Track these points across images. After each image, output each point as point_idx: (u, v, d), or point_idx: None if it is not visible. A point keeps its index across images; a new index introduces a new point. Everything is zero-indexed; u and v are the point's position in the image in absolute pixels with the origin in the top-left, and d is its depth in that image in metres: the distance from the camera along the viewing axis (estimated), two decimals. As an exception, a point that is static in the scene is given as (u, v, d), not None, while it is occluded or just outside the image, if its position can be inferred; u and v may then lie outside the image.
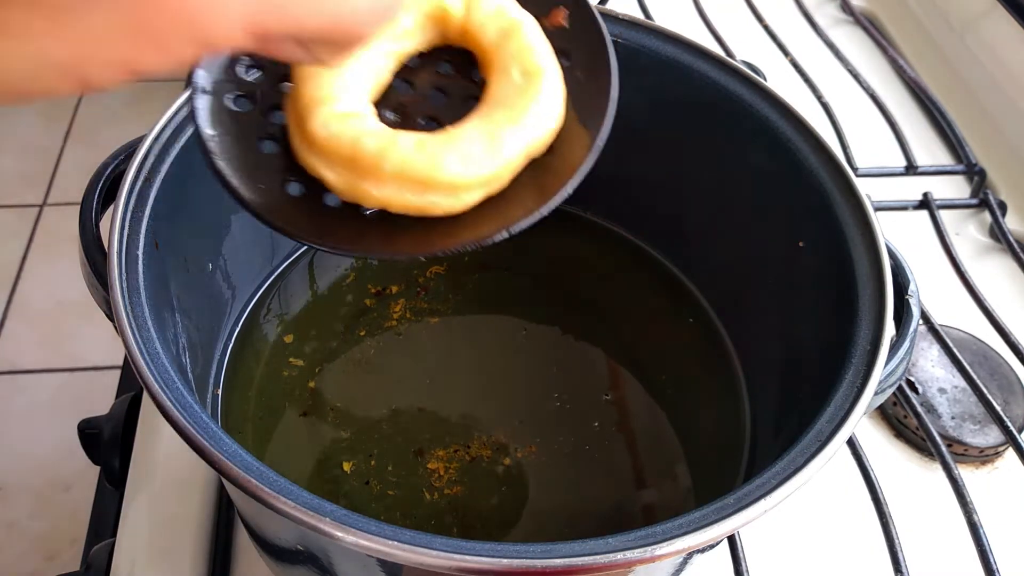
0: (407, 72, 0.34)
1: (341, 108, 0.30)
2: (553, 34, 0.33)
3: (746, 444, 0.43)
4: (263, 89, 0.33)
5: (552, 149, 0.32)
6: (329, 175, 0.31)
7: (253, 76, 0.33)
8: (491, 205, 0.31)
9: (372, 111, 0.32)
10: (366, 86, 0.32)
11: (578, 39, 0.34)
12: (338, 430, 0.43)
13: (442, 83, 0.34)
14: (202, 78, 0.32)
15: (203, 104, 0.32)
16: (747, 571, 0.42)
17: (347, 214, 0.31)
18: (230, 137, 0.32)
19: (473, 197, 0.31)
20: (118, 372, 0.66)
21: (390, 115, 0.33)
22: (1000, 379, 0.51)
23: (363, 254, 0.31)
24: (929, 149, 0.67)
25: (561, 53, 0.33)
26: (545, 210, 0.31)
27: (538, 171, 0.32)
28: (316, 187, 0.32)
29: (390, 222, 0.31)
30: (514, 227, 0.31)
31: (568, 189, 0.31)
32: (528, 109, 0.31)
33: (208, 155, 0.31)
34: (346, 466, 0.41)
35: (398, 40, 0.33)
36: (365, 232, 0.31)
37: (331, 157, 0.30)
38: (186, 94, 0.37)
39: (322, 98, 0.30)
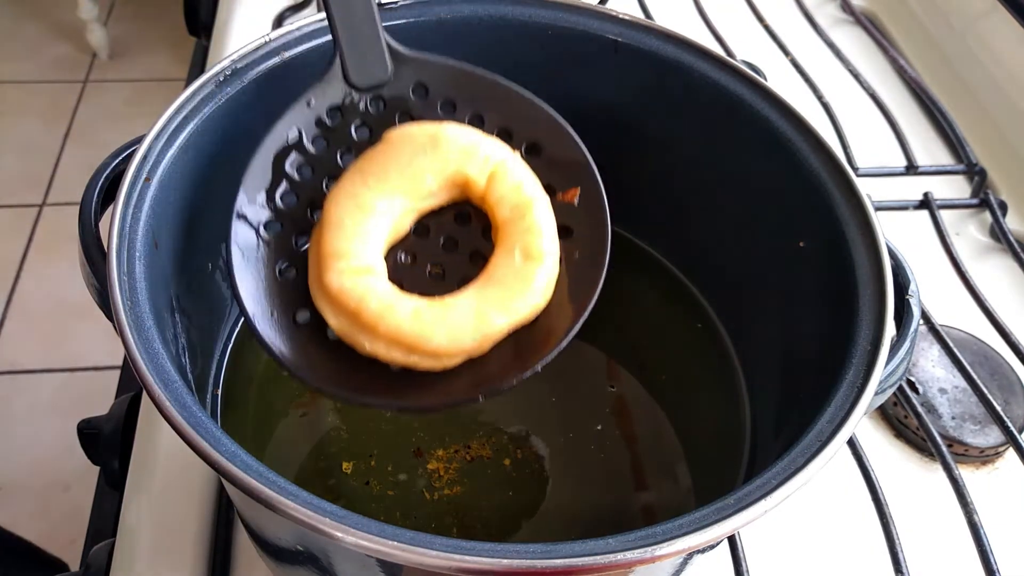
0: (427, 215, 0.37)
1: (356, 264, 0.34)
2: (562, 209, 0.36)
3: (746, 444, 0.43)
4: (294, 216, 0.36)
5: (536, 319, 0.35)
6: (332, 320, 0.34)
7: (287, 203, 0.36)
8: (470, 365, 0.34)
9: (384, 268, 0.35)
10: (384, 239, 0.35)
11: (583, 221, 0.36)
12: (338, 430, 0.43)
13: (455, 234, 0.36)
14: (242, 202, 0.35)
15: (237, 229, 0.35)
16: (747, 571, 0.42)
17: (342, 351, 0.34)
18: (256, 262, 0.35)
19: (454, 361, 0.34)
20: (118, 372, 0.66)
21: (402, 256, 0.36)
22: (1001, 379, 0.51)
23: (344, 397, 0.35)
24: (929, 149, 0.67)
25: (564, 229, 0.36)
26: (516, 382, 0.34)
27: (519, 337, 0.35)
28: (321, 319, 0.35)
29: (378, 367, 0.34)
30: (485, 395, 0.34)
31: (539, 366, 0.34)
32: (519, 295, 0.34)
33: (232, 279, 0.34)
34: (346, 466, 0.41)
35: (422, 199, 0.36)
36: (351, 374, 0.34)
37: (337, 307, 0.34)
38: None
39: (342, 252, 0.34)
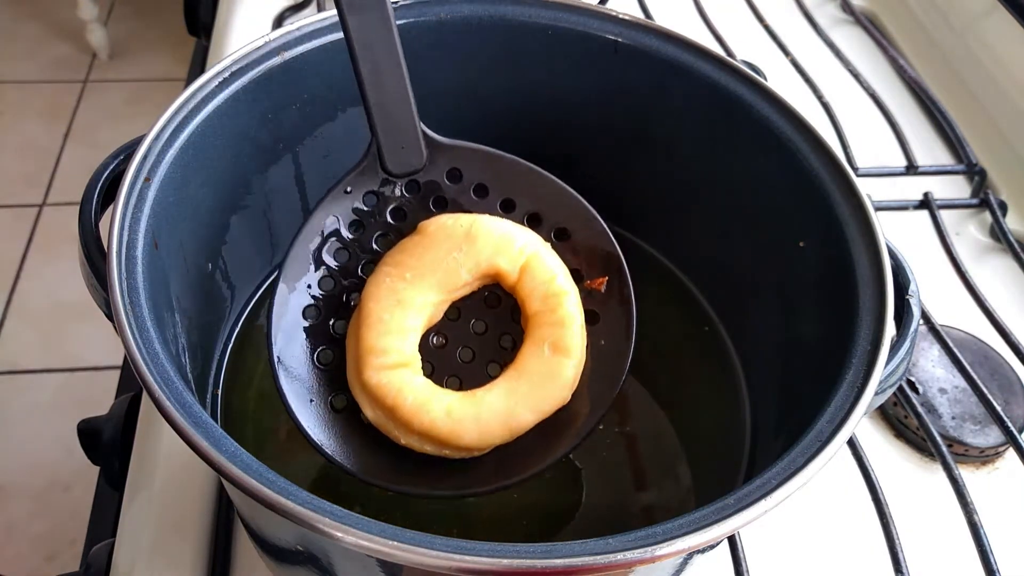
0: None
1: (394, 359, 0.35)
2: (590, 296, 0.38)
3: (746, 444, 0.43)
4: (331, 301, 0.37)
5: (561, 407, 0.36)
6: (369, 412, 0.36)
7: (325, 288, 0.37)
8: (497, 450, 0.36)
9: (419, 360, 0.36)
10: (420, 330, 0.36)
11: (610, 308, 0.38)
12: (338, 430, 0.43)
13: (485, 317, 0.38)
14: (283, 292, 0.36)
15: (279, 320, 0.36)
16: (747, 571, 0.42)
17: (374, 434, 0.36)
18: (297, 352, 0.36)
19: (483, 452, 0.36)
20: (118, 372, 0.66)
21: (435, 339, 0.37)
22: (1001, 379, 0.51)
23: (380, 486, 0.36)
24: (929, 149, 0.67)
25: (591, 315, 0.37)
26: (540, 470, 0.36)
27: (544, 422, 0.36)
28: (356, 404, 0.36)
29: (409, 450, 0.36)
30: (513, 484, 0.36)
31: (562, 454, 0.36)
32: (548, 391, 0.36)
33: (276, 376, 0.35)
34: (346, 466, 0.41)
35: (455, 291, 0.37)
36: (384, 459, 0.36)
37: (374, 401, 0.35)
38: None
39: (381, 349, 0.35)
